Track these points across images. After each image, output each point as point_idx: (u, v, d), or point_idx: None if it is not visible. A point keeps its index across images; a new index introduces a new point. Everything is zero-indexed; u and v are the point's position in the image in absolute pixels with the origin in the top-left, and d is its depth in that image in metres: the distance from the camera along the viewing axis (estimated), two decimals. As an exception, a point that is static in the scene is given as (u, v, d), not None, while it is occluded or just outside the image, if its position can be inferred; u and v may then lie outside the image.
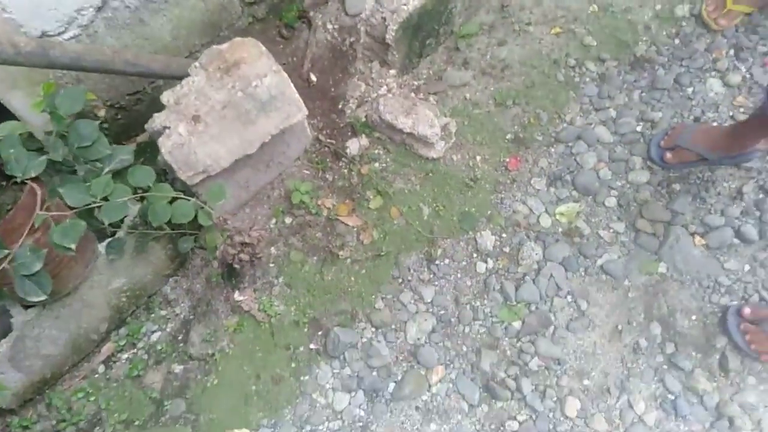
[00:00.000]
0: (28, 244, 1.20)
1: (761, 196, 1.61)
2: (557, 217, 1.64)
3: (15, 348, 1.45)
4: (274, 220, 1.65)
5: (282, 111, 1.52)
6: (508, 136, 1.75)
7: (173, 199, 1.37)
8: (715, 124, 1.71)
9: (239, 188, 1.62)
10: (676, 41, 1.87)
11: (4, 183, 1.41)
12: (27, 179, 1.24)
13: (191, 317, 1.58)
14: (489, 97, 1.80)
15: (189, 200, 1.37)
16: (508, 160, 1.71)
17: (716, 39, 1.85)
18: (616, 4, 1.92)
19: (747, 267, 1.54)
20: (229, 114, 1.47)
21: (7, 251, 1.17)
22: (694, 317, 1.50)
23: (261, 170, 1.64)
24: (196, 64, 1.53)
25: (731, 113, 1.73)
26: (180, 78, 1.52)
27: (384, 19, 1.67)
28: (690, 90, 1.79)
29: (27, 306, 1.48)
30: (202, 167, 1.43)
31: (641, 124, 1.76)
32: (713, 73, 1.81)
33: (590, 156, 1.71)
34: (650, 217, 1.61)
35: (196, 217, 1.38)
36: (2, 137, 1.25)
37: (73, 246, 1.20)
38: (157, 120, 1.46)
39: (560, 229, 1.63)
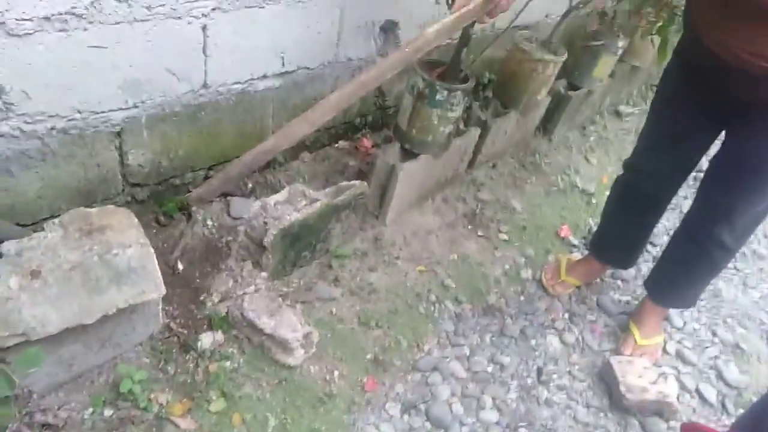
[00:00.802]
0: None
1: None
2: (409, 448, 1.55)
3: None
4: (90, 410, 1.38)
5: (137, 286, 1.41)
6: (369, 356, 1.73)
7: (-32, 360, 1.13)
8: None
9: (60, 365, 1.38)
10: (522, 298, 2.10)
11: None
12: None
13: None
14: (354, 315, 1.82)
15: (-10, 363, 1.13)
16: (365, 380, 1.67)
17: (554, 302, 2.11)
18: (472, 257, 2.17)
19: None
20: (76, 277, 1.34)
21: None
22: None
23: (93, 348, 1.43)
24: (56, 221, 1.43)
25: (568, 369, 1.89)
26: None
27: (266, 223, 1.73)
28: (533, 342, 1.95)
29: None
30: (23, 329, 1.23)
31: (492, 365, 1.84)
32: (552, 331, 2.01)
33: (444, 388, 1.72)
34: (499, 459, 1.58)
35: (-9, 386, 1.13)
36: None
37: None
38: (-14, 268, 1.28)
39: (410, 462, 1.53)
